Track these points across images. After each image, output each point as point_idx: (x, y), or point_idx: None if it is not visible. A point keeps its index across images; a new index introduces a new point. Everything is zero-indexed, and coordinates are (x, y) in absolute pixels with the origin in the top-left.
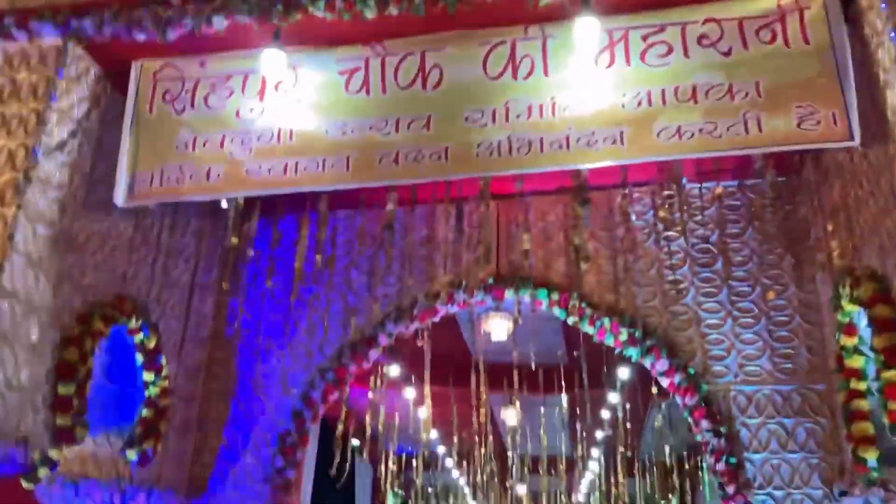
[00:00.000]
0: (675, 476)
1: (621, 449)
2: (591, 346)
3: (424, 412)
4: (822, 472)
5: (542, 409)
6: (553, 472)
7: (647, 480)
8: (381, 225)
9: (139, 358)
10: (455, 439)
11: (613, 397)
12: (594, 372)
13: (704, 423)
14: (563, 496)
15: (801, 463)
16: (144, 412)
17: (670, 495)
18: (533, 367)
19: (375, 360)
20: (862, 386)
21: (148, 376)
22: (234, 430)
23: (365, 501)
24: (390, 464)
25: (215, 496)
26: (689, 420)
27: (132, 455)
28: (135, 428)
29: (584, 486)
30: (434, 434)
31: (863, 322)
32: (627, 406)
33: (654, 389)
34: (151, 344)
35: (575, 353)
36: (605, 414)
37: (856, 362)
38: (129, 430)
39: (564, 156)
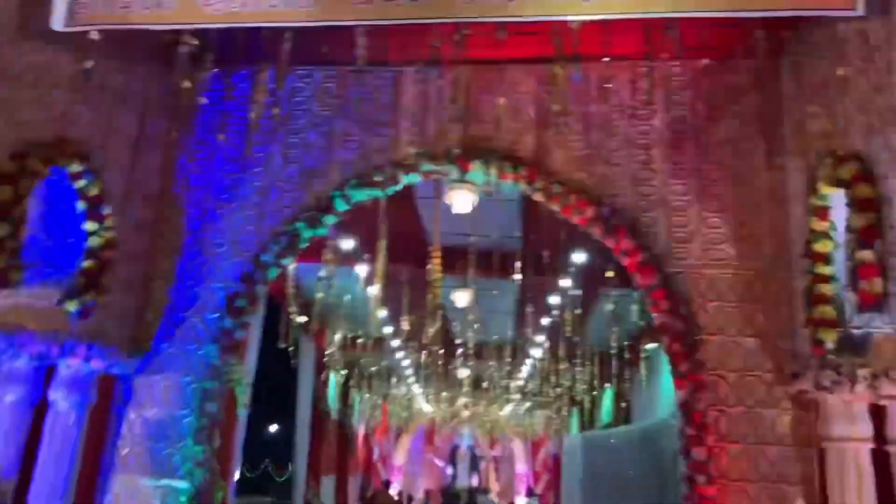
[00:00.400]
0: (613, 365)
1: (567, 334)
2: (548, 230)
3: (374, 290)
4: (775, 357)
5: (494, 293)
6: (497, 357)
7: (587, 368)
8: (341, 85)
9: (80, 206)
10: (403, 321)
11: (565, 283)
12: (548, 257)
13: (663, 305)
14: (503, 381)
15: (755, 347)
16: (85, 263)
17: (607, 383)
18: (488, 250)
19: (328, 232)
20: (826, 271)
21: (90, 226)
22: (181, 290)
23: (308, 379)
24: (335, 342)
25: (159, 355)
26: (648, 301)
27: (71, 306)
28: (75, 279)
29: (524, 372)
30: (381, 314)
31: (835, 206)
32: (578, 293)
33: (611, 273)
34: (94, 191)
35: (531, 237)
36: (555, 300)
37: (824, 247)
38: (69, 281)
39: (553, 4)
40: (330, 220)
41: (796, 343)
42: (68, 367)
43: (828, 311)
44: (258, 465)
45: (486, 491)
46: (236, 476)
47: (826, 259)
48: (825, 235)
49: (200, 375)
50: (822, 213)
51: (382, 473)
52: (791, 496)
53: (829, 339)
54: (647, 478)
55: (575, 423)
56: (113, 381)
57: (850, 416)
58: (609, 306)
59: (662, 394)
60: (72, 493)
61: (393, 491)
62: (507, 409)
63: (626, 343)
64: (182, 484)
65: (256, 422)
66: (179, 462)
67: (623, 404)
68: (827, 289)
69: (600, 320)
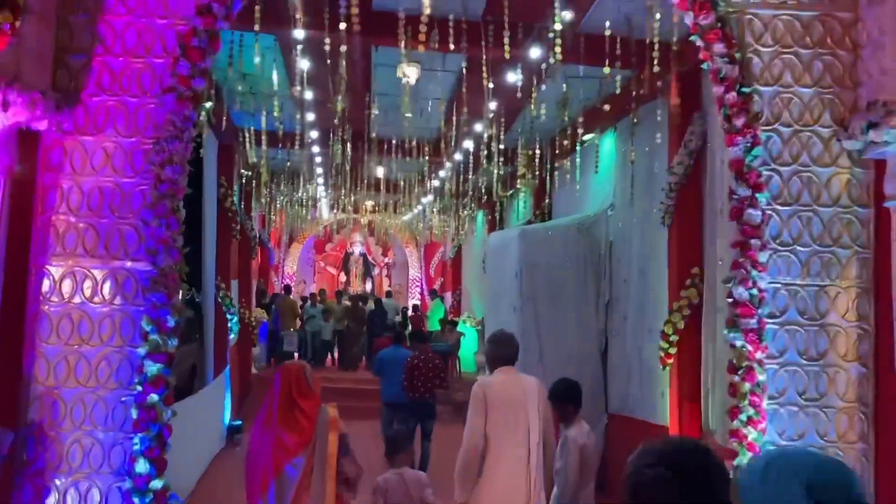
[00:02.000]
0: (546, 157)
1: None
2: None
3: (303, 64)
4: (834, 110)
5: (437, 70)
6: (421, 154)
7: (523, 159)
8: None
9: None
10: (327, 105)
11: (532, 53)
12: (515, 27)
13: (717, 48)
14: (421, 179)
15: (814, 98)
16: None
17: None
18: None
19: None
20: None
21: None
22: (116, 27)
23: (212, 177)
24: (241, 136)
25: (92, 110)
26: (699, 43)
27: None
28: None
29: (447, 170)
30: (307, 95)
31: None
32: (539, 66)
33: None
34: None
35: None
36: (512, 77)
37: None
38: None
39: None
40: None
41: (864, 91)
42: None
43: None
44: None
45: (389, 294)
46: None
47: None
48: None
49: (149, 134)
50: None
51: (278, 280)
52: (844, 261)
53: None
54: (582, 266)
55: (480, 224)
56: (36, 141)
57: None
58: (561, 87)
59: (596, 187)
60: None
61: (294, 296)
62: (413, 213)
63: (566, 131)
64: (140, 265)
65: None
66: (135, 240)
67: (546, 201)
68: None
69: (547, 106)
